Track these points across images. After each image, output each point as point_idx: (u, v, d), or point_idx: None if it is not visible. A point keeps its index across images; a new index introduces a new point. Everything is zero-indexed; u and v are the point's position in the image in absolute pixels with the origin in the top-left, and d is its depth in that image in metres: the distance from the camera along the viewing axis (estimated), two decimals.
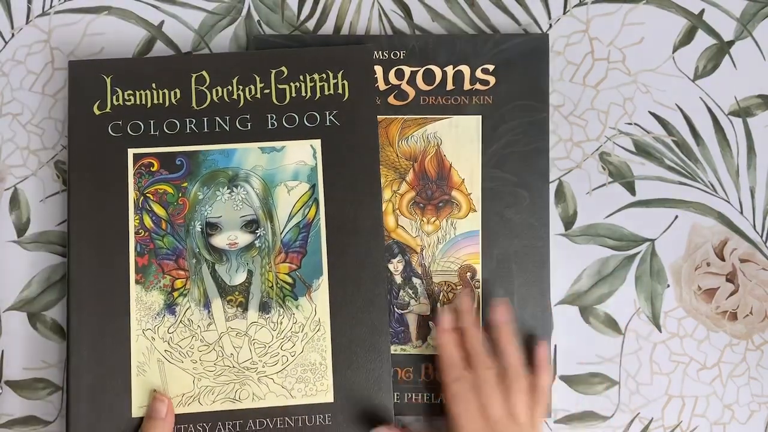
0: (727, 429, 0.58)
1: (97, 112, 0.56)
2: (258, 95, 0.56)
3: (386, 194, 0.58)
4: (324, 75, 0.56)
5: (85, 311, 0.54)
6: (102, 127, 0.56)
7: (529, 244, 0.57)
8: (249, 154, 0.56)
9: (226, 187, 0.56)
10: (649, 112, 0.59)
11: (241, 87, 0.56)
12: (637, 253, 0.59)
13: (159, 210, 0.56)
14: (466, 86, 0.58)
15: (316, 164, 0.56)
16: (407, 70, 0.58)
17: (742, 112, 0.60)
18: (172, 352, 0.54)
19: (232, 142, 0.56)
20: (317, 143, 0.56)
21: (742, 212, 0.59)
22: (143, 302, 0.55)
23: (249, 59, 0.57)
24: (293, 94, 0.56)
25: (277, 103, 0.56)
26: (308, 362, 0.55)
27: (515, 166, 0.57)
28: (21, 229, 0.58)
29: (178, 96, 0.56)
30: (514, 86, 0.58)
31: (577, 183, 0.59)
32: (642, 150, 0.59)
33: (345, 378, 0.55)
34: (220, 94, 0.56)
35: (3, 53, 0.60)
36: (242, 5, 0.60)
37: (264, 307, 0.55)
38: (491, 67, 0.58)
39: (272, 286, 0.55)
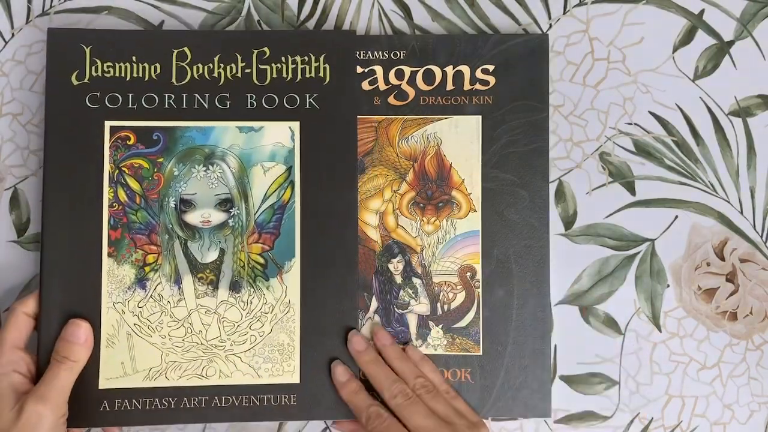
0: (727, 429, 0.58)
1: (75, 83, 0.56)
2: (239, 74, 0.56)
3: (386, 194, 0.58)
4: (306, 58, 0.57)
5: (57, 282, 0.54)
6: (79, 97, 0.56)
7: (529, 244, 0.57)
8: (226, 133, 0.56)
9: (201, 165, 0.56)
10: (649, 112, 0.59)
11: (222, 65, 0.56)
12: (637, 253, 0.59)
13: (133, 184, 0.55)
14: (466, 86, 0.58)
15: (293, 146, 0.56)
16: (407, 70, 0.58)
17: (742, 112, 0.60)
18: (141, 326, 0.55)
19: (210, 119, 0.56)
20: (296, 125, 0.56)
21: (742, 212, 0.59)
22: (115, 275, 0.55)
23: (232, 38, 0.57)
24: (274, 75, 0.57)
25: (257, 83, 0.57)
26: (276, 343, 0.55)
27: (515, 166, 0.57)
28: (21, 229, 0.58)
29: (158, 70, 0.56)
30: (514, 86, 0.58)
31: (577, 183, 0.59)
32: (642, 150, 0.59)
33: (312, 360, 0.55)
34: (200, 71, 0.56)
35: (3, 53, 0.60)
36: (242, 5, 0.60)
37: (235, 286, 0.56)
38: (491, 67, 0.58)
39: (244, 265, 0.56)
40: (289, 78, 0.57)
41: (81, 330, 0.53)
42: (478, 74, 0.58)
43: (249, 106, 0.56)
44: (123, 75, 0.56)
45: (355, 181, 0.56)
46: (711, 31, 0.60)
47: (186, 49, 0.56)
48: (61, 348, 0.52)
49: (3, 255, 0.58)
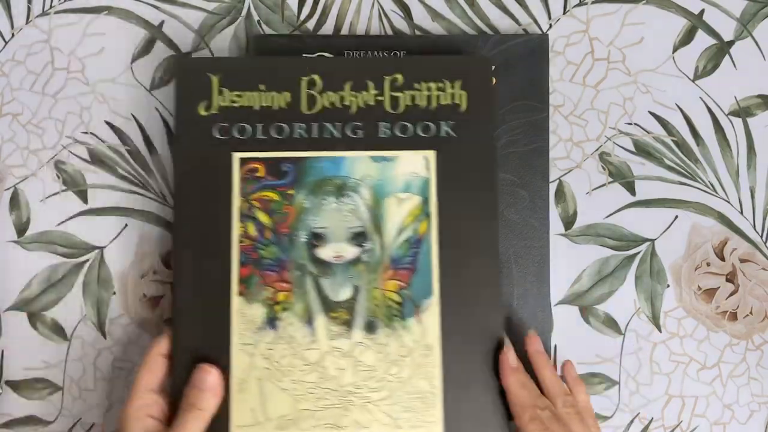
0: (727, 429, 0.58)
1: (203, 113, 0.54)
2: (371, 102, 0.54)
3: None
4: (441, 84, 0.54)
5: (188, 323, 0.52)
6: (207, 128, 0.54)
7: (529, 244, 0.57)
8: (359, 163, 0.53)
9: (333, 196, 0.53)
10: (649, 112, 0.59)
11: (353, 93, 0.54)
12: (637, 253, 0.59)
13: (263, 218, 0.53)
14: None
15: (429, 176, 0.53)
16: None
17: (742, 112, 0.60)
18: (271, 369, 0.52)
19: (342, 149, 0.53)
20: (431, 154, 0.53)
21: (742, 212, 0.59)
22: (245, 315, 0.52)
23: (363, 65, 0.55)
24: (408, 103, 0.54)
25: (390, 111, 0.54)
26: (416, 390, 0.51)
27: (515, 166, 0.57)
28: (21, 229, 0.58)
29: (288, 99, 0.54)
30: (514, 86, 0.58)
31: (577, 183, 0.59)
32: (642, 150, 0.59)
33: (456, 410, 0.51)
34: (331, 99, 0.54)
35: (3, 53, 0.60)
36: (242, 5, 0.60)
37: (370, 327, 0.52)
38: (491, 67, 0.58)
39: (379, 304, 0.52)
40: (423, 105, 0.54)
41: (210, 376, 0.50)
42: None
43: (382, 135, 0.54)
44: (251, 104, 0.54)
45: (497, 212, 0.54)
46: (711, 31, 0.60)
47: (316, 76, 0.54)
48: (189, 394, 0.50)
49: (3, 255, 0.58)
